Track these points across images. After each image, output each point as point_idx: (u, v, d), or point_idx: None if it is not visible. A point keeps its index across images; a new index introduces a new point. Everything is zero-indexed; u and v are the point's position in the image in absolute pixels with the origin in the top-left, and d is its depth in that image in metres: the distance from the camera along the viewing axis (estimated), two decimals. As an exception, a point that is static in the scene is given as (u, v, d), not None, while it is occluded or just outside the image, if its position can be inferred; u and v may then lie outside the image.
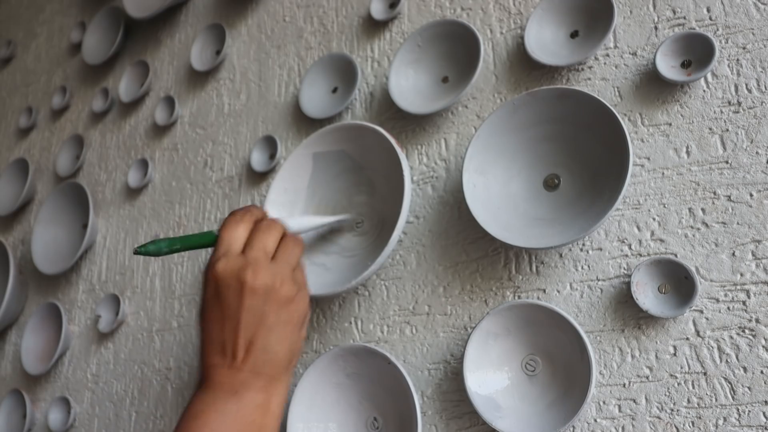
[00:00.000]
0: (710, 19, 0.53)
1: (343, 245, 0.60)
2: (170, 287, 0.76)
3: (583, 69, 0.57)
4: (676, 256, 0.48)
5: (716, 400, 0.44)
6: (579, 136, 0.52)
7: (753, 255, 0.46)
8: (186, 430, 0.40)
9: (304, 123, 0.73)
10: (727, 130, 0.49)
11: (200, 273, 0.74)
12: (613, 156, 0.48)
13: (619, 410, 0.46)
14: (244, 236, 0.45)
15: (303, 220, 0.54)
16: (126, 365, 0.76)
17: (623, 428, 0.46)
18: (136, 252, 0.44)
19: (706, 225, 0.48)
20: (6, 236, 0.99)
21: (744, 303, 0.45)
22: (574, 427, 0.47)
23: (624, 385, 0.47)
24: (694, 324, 0.46)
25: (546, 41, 0.59)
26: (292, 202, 0.62)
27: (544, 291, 0.52)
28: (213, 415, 0.41)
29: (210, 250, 0.46)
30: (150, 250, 0.44)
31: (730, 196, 0.48)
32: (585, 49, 0.56)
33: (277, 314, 0.43)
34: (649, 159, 0.52)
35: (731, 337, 0.45)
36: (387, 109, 0.68)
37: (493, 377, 0.49)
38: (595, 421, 0.47)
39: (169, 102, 0.87)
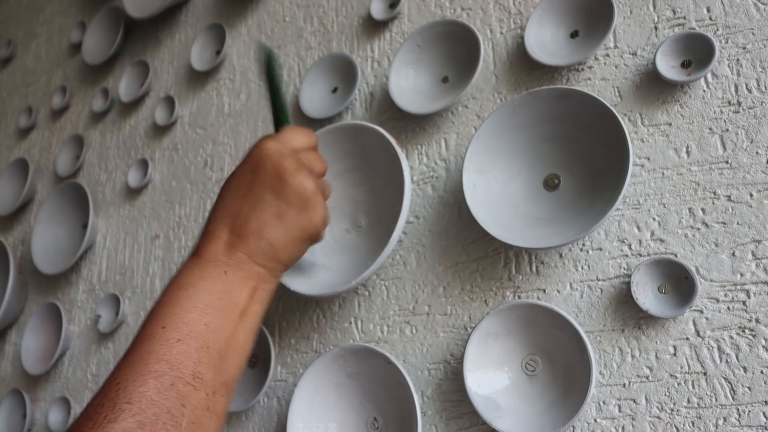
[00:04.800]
0: (710, 19, 0.53)
1: (343, 245, 0.60)
2: (170, 287, 0.76)
3: (583, 69, 0.57)
4: (676, 256, 0.48)
5: (716, 400, 0.44)
6: (579, 136, 0.52)
7: (753, 255, 0.46)
8: (172, 299, 0.40)
9: (304, 123, 0.73)
10: (727, 130, 0.49)
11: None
12: (613, 156, 0.48)
13: (619, 410, 0.46)
14: (304, 145, 0.47)
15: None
16: (126, 365, 0.76)
17: (623, 428, 0.46)
18: (265, 51, 0.43)
19: (706, 225, 0.48)
20: (6, 236, 0.99)
21: (744, 303, 0.45)
22: (574, 427, 0.47)
23: (624, 385, 0.47)
24: (694, 324, 0.46)
25: (546, 41, 0.59)
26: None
27: (544, 291, 0.52)
28: (200, 291, 0.41)
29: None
30: (272, 59, 0.44)
31: (730, 196, 0.48)
32: (585, 49, 0.56)
33: (297, 216, 0.44)
34: (649, 159, 0.52)
35: (731, 337, 0.44)
36: (387, 109, 0.68)
37: (493, 377, 0.49)
38: (595, 421, 0.47)
39: (169, 102, 0.87)
